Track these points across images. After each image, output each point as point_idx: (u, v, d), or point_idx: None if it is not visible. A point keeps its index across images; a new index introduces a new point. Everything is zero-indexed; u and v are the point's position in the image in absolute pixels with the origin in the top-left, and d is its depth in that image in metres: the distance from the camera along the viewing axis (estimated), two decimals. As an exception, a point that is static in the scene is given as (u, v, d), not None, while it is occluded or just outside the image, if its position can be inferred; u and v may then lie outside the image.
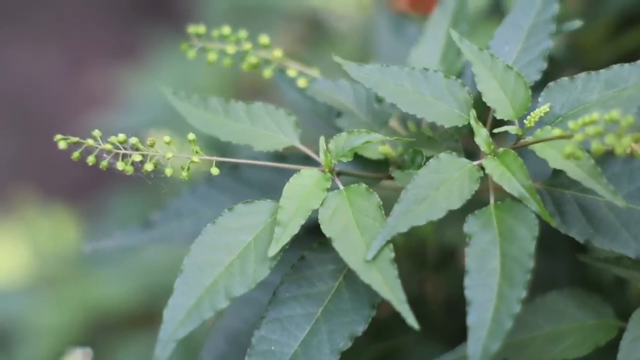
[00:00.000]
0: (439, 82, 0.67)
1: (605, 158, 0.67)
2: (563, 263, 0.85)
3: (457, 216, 0.65)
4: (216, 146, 0.99)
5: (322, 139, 0.68)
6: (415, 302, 0.86)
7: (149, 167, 0.64)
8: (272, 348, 0.64)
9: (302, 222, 0.64)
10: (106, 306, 1.41)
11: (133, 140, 0.64)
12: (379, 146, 0.70)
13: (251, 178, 0.78)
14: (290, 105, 0.78)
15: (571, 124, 0.59)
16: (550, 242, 0.82)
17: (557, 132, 0.60)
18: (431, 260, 0.87)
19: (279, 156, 0.75)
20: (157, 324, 0.63)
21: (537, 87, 0.69)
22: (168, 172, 0.64)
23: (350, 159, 0.66)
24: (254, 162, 0.69)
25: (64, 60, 2.32)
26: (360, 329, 0.64)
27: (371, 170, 0.72)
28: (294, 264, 0.67)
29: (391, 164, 0.71)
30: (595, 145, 0.57)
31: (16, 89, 2.27)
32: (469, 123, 0.67)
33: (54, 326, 1.39)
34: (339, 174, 0.68)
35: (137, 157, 0.63)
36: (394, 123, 0.74)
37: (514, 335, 0.71)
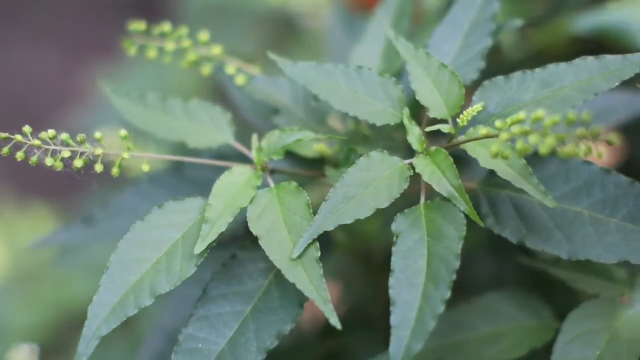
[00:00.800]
0: (372, 80, 0.66)
1: (541, 158, 0.67)
2: (510, 264, 0.84)
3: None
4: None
5: (254, 137, 0.67)
6: (361, 302, 0.86)
7: (78, 163, 0.63)
8: (200, 346, 0.63)
9: (230, 219, 0.63)
10: (79, 305, 1.40)
11: (63, 136, 0.63)
12: (314, 144, 0.70)
13: (194, 176, 0.78)
14: (235, 103, 0.78)
15: (497, 123, 0.59)
16: (499, 243, 0.81)
17: (484, 130, 0.60)
18: (377, 260, 0.87)
19: (221, 154, 0.75)
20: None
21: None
22: (98, 168, 0.64)
23: (281, 157, 0.66)
24: (187, 159, 0.68)
25: (61, 59, 2.32)
26: (287, 327, 0.64)
27: (308, 168, 0.71)
28: (225, 262, 0.66)
29: (327, 162, 0.70)
30: (520, 145, 0.57)
31: (13, 88, 2.28)
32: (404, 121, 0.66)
33: (27, 325, 1.39)
34: (273, 171, 0.68)
35: (66, 153, 0.63)
36: (335, 121, 0.74)
37: (450, 336, 0.71)
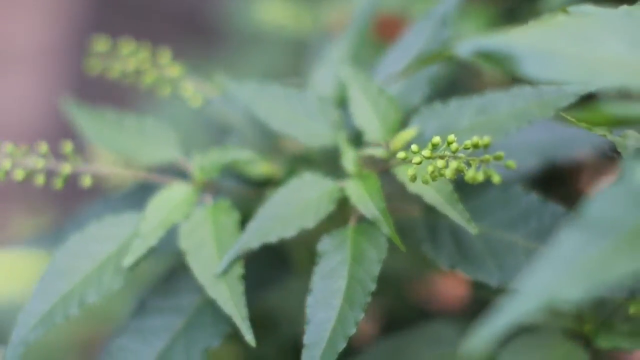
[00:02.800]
0: (312, 103, 0.67)
1: (482, 185, 0.66)
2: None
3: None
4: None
5: (198, 155, 0.69)
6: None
7: (19, 175, 0.65)
8: (129, 357, 0.65)
9: (162, 234, 0.65)
10: (112, 321, 1.42)
11: (8, 148, 0.66)
12: (259, 165, 0.71)
13: (159, 192, 0.79)
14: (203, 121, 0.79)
15: (414, 147, 0.59)
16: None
17: (401, 155, 0.60)
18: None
19: (177, 172, 0.76)
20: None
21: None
22: (40, 180, 0.66)
23: (216, 175, 0.67)
24: (134, 174, 0.70)
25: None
26: (215, 343, 0.65)
27: (256, 188, 0.72)
28: (166, 276, 0.68)
29: (274, 183, 0.71)
30: (430, 168, 0.57)
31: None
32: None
33: (55, 342, 1.40)
34: (218, 189, 0.69)
35: (7, 165, 0.65)
36: (289, 143, 0.74)
37: (393, 358, 0.71)
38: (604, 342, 0.67)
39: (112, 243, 0.66)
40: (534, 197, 0.65)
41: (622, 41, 0.50)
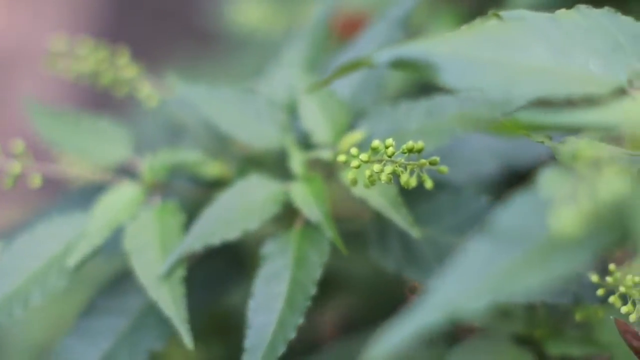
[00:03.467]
0: (261, 106, 0.67)
1: (434, 189, 0.66)
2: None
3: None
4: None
5: (149, 156, 0.69)
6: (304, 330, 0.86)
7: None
8: (75, 357, 0.65)
9: (108, 234, 0.65)
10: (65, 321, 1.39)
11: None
12: (210, 166, 0.71)
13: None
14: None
15: (353, 151, 0.58)
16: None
17: (342, 158, 0.59)
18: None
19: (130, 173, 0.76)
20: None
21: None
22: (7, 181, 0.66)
23: (163, 176, 0.67)
24: (85, 176, 0.70)
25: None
26: (159, 345, 0.65)
27: (208, 189, 0.72)
28: (116, 276, 0.68)
29: (224, 184, 0.71)
30: (367, 173, 0.56)
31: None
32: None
33: (37, 341, 1.39)
34: (168, 190, 0.69)
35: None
36: (242, 144, 0.74)
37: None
38: (553, 349, 0.66)
39: (58, 243, 0.66)
40: (483, 201, 0.64)
41: (547, 48, 0.49)
